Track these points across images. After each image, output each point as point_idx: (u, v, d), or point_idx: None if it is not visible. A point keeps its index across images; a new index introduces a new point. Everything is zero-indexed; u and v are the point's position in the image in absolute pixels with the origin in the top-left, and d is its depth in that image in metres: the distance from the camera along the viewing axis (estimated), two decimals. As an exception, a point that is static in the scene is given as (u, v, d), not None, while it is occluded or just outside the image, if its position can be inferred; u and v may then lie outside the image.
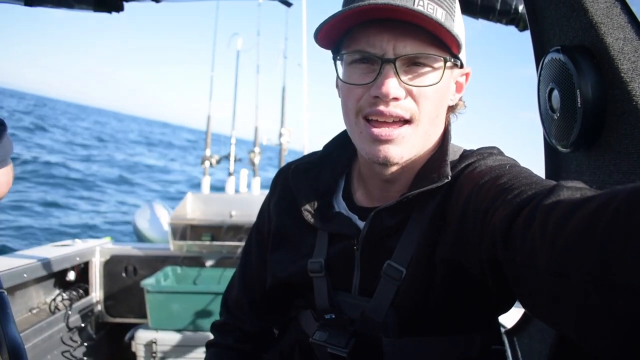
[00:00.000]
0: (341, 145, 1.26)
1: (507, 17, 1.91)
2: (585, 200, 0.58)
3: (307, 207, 1.17)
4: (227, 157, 7.36)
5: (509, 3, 2.00)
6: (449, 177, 1.02)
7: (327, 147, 1.27)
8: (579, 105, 1.05)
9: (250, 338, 1.39)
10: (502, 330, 1.75)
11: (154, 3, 2.31)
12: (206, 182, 7.20)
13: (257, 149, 7.34)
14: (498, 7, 1.94)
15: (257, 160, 7.22)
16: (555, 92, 1.16)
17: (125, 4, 2.25)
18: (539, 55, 1.31)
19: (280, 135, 7.72)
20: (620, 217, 0.49)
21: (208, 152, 7.30)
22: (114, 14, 2.27)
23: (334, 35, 1.05)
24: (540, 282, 0.63)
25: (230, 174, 7.20)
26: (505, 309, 1.12)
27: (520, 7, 1.98)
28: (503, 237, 0.76)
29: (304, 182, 1.21)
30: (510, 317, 1.84)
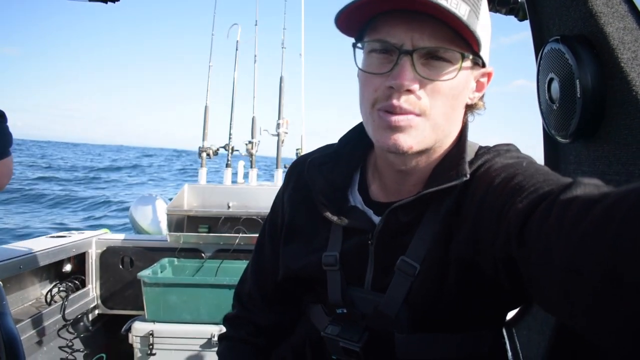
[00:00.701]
0: (356, 138, 1.25)
1: (507, 7, 1.89)
2: (602, 196, 0.58)
3: (323, 200, 1.17)
4: (224, 148, 7.35)
5: (508, -7, 1.98)
6: (467, 176, 1.01)
7: (342, 140, 1.26)
8: (579, 96, 1.05)
9: (263, 332, 1.39)
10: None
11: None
12: (203, 173, 7.19)
13: (254, 140, 7.32)
14: (497, -4, 1.92)
15: (254, 151, 7.21)
16: (555, 83, 1.15)
17: (121, -6, 2.22)
18: (539, 45, 1.30)
19: (278, 125, 7.70)
20: (633, 214, 0.49)
21: (205, 144, 7.29)
22: (110, 4, 2.25)
23: (355, 22, 1.04)
24: (554, 278, 0.63)
25: (227, 165, 7.18)
26: (517, 305, 1.12)
27: (520, -3, 1.97)
28: (518, 233, 0.76)
29: (320, 175, 1.20)
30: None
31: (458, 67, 0.98)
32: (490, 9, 1.94)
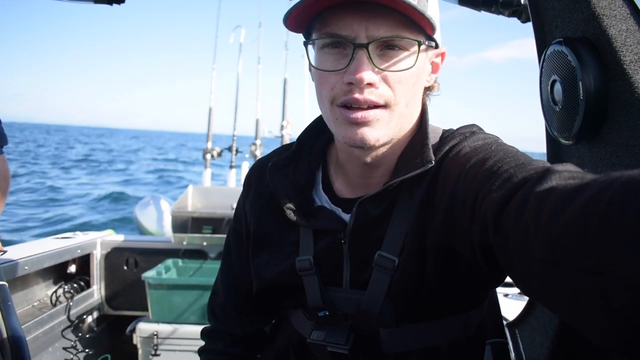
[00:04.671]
0: (315, 135, 1.23)
1: (510, 9, 1.89)
2: (579, 189, 0.57)
3: (289, 204, 1.13)
4: (228, 150, 7.39)
5: (511, -5, 1.98)
6: (433, 162, 1.00)
7: (301, 139, 1.23)
8: (581, 98, 1.05)
9: (240, 341, 1.37)
10: (504, 322, 1.75)
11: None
12: (207, 175, 7.22)
13: (258, 142, 7.35)
14: (500, -2, 1.92)
15: (258, 152, 7.24)
16: (558, 85, 1.15)
17: (126, -4, 2.22)
18: (541, 47, 1.30)
19: (282, 127, 7.73)
20: (613, 210, 0.48)
21: (209, 145, 7.32)
22: (115, 5, 2.25)
23: (304, 19, 1.00)
24: (534, 267, 0.62)
25: (231, 167, 7.22)
26: (498, 284, 1.12)
27: (523, -1, 1.97)
28: (494, 223, 0.75)
29: (283, 178, 1.16)
30: (512, 310, 1.84)
31: (415, 55, 0.96)
32: (493, 11, 1.94)
